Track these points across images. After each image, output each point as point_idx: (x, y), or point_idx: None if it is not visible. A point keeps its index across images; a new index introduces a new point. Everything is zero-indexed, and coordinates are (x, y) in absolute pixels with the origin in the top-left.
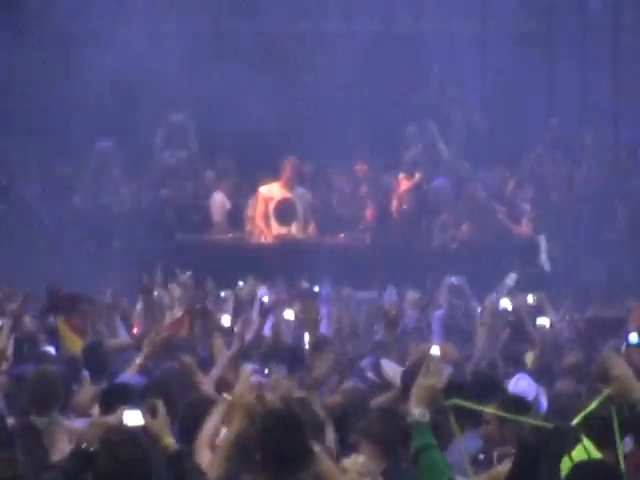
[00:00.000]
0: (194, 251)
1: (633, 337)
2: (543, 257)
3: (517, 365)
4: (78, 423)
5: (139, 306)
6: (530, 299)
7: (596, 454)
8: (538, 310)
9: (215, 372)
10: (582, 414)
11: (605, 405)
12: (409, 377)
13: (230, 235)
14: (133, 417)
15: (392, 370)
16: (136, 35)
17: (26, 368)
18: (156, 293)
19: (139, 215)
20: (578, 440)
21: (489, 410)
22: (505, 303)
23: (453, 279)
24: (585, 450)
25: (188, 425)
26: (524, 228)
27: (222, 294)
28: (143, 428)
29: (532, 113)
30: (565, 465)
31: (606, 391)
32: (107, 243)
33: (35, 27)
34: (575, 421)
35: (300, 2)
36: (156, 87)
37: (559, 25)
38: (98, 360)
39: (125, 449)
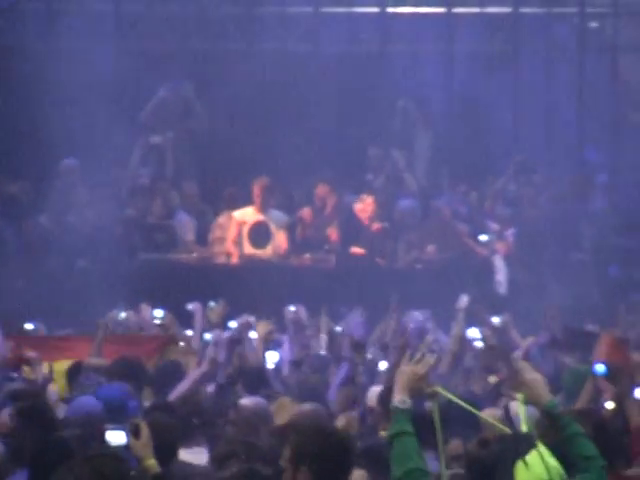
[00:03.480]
0: (159, 271)
1: (600, 368)
2: (499, 278)
3: None
4: None
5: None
6: (495, 320)
7: (550, 459)
8: (502, 332)
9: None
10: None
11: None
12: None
13: (195, 255)
14: (116, 437)
15: None
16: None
17: None
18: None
19: (103, 234)
20: (532, 445)
21: (482, 415)
22: (473, 333)
23: (417, 314)
24: (539, 455)
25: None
26: (486, 248)
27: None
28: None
29: (498, 134)
30: (520, 470)
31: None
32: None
33: None
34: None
35: (265, 22)
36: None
37: (525, 48)
38: None
39: (108, 463)
